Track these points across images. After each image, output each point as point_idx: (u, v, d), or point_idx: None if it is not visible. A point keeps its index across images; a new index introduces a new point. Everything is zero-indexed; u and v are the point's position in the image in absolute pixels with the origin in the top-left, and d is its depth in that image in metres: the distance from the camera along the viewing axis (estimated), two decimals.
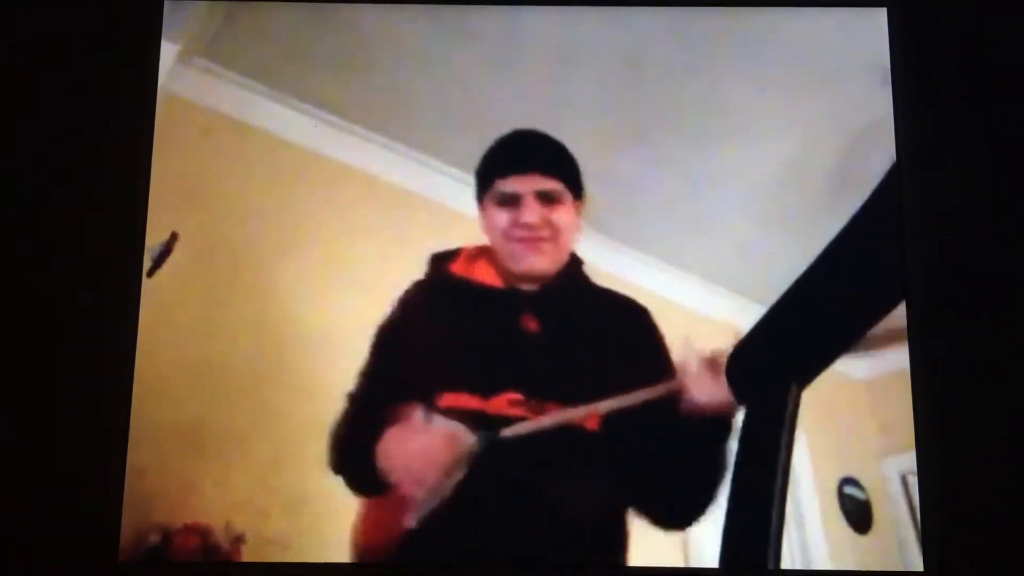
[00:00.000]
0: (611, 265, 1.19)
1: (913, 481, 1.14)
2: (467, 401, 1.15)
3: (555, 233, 1.20)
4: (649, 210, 1.21)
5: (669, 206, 1.21)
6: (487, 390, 1.16)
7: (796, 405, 1.15)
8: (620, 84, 1.23)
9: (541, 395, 1.15)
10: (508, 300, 1.19)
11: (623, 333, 1.18)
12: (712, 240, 1.20)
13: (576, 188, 1.21)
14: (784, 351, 1.17)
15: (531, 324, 1.18)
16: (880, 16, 1.24)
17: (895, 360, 1.16)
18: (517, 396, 1.15)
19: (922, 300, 1.17)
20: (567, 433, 1.15)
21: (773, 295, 1.18)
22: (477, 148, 1.22)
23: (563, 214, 1.20)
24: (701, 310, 1.19)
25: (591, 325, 1.19)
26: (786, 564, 1.12)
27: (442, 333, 1.18)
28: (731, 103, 1.22)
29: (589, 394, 1.15)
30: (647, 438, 1.15)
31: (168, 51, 1.23)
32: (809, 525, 1.15)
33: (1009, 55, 1.23)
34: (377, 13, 1.25)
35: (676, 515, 1.14)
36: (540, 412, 1.15)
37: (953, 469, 1.14)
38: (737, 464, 1.14)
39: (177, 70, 1.23)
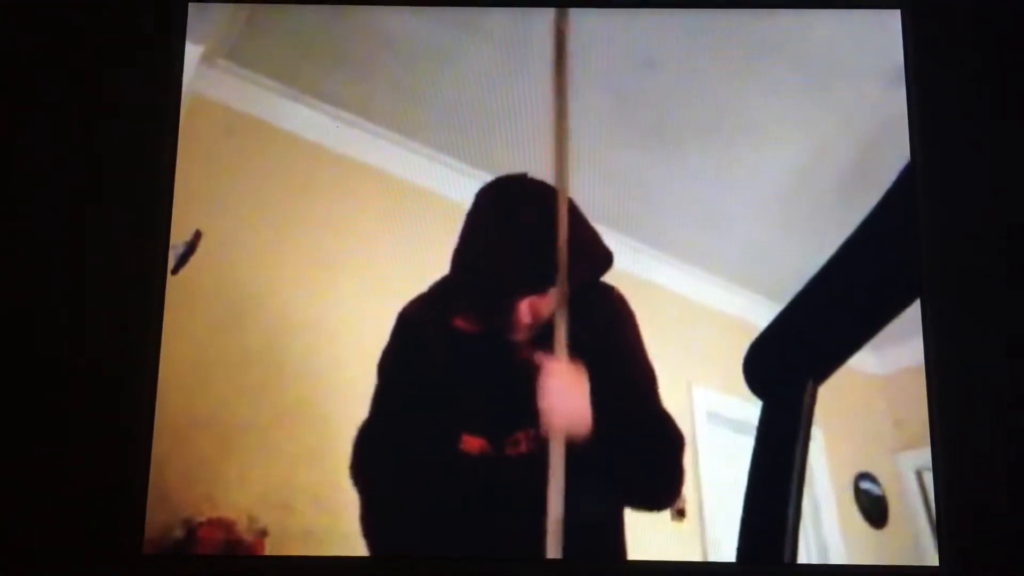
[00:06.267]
0: (629, 264, 1.20)
1: (928, 476, 1.15)
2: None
3: None
4: (666, 210, 1.22)
5: (686, 206, 1.22)
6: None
7: (813, 401, 1.16)
8: (634, 85, 1.25)
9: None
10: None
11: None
12: (729, 239, 1.21)
13: None
14: (801, 348, 1.18)
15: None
16: (894, 17, 1.25)
17: (910, 355, 1.17)
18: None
19: (936, 297, 1.18)
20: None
21: (790, 293, 1.19)
22: (495, 147, 1.23)
23: None
24: (719, 308, 1.20)
25: None
26: (802, 559, 1.13)
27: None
28: (746, 104, 1.24)
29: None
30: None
31: (192, 53, 1.25)
32: (825, 520, 1.16)
33: (1022, 54, 1.24)
34: (395, 14, 1.26)
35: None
36: None
37: (968, 464, 1.15)
38: (754, 460, 1.15)
39: (201, 71, 1.25)
